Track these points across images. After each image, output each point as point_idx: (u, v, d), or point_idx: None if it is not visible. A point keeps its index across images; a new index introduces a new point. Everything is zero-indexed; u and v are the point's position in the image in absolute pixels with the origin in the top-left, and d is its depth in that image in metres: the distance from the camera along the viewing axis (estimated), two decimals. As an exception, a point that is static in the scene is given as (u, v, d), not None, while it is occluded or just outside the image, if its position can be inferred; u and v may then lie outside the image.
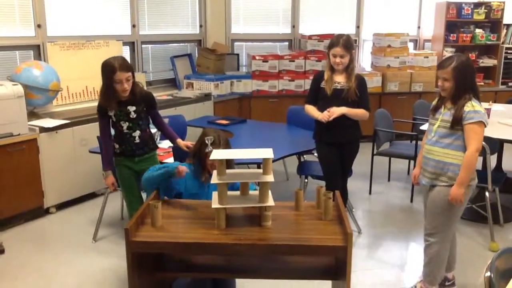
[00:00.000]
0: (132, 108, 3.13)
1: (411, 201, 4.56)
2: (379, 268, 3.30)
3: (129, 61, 3.18)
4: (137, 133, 3.19)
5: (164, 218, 2.32)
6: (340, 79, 3.48)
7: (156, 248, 2.23)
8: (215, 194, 2.31)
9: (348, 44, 3.41)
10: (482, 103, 2.79)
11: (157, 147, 3.42)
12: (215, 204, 2.23)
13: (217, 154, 2.30)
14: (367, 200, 4.65)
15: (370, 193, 4.79)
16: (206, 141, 2.64)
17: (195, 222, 2.32)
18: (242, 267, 2.49)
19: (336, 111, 3.40)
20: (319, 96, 3.54)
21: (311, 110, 3.58)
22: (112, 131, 3.25)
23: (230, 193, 2.34)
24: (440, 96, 2.85)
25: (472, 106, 2.66)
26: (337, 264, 2.45)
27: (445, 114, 2.75)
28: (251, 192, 2.39)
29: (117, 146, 3.21)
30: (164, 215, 2.33)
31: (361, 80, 3.50)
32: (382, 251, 3.62)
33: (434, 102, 2.92)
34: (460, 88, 2.69)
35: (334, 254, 2.30)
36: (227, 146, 2.74)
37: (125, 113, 3.12)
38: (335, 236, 2.14)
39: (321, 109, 3.47)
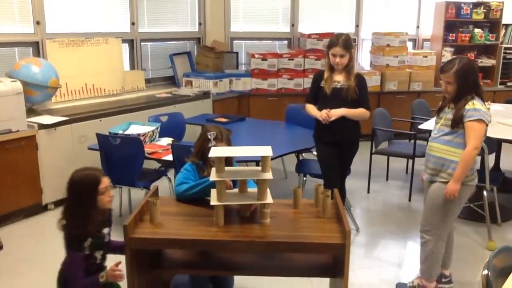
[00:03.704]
0: (106, 230, 2.37)
1: (409, 200, 4.58)
2: (377, 267, 3.31)
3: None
4: (105, 262, 2.40)
5: (163, 215, 2.33)
6: (339, 78, 3.49)
7: (155, 245, 2.24)
8: (213, 192, 2.32)
9: (347, 43, 3.41)
10: None
11: None
12: (213, 201, 2.24)
13: (216, 151, 2.30)
14: (365, 199, 4.67)
15: (368, 191, 4.80)
16: (209, 136, 2.64)
17: (193, 219, 2.33)
18: (240, 264, 2.50)
19: (335, 113, 3.41)
20: (319, 95, 3.55)
21: (311, 109, 3.59)
22: None
23: (228, 191, 2.35)
24: (444, 97, 2.88)
25: (473, 105, 2.69)
26: (335, 262, 2.46)
27: (449, 113, 2.80)
28: (249, 189, 2.39)
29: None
30: (162, 212, 2.34)
31: (360, 79, 3.51)
32: (380, 249, 3.64)
33: (440, 103, 2.93)
34: (462, 90, 2.72)
35: (332, 252, 2.32)
36: (229, 141, 2.75)
37: (101, 238, 2.34)
38: (333, 234, 2.15)
39: (321, 108, 3.48)
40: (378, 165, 5.09)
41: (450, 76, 2.72)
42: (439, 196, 2.81)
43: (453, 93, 2.75)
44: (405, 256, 3.58)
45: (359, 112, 3.48)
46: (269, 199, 2.24)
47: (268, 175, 2.23)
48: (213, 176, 2.24)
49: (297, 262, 2.50)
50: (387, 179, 5.18)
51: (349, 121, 3.47)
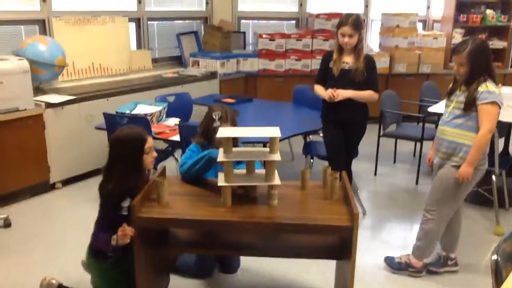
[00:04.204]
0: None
1: (417, 183, 4.55)
2: (383, 249, 3.31)
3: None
4: None
5: (170, 195, 2.33)
6: (348, 60, 3.44)
7: (162, 224, 2.24)
8: (221, 173, 2.31)
9: (357, 23, 3.35)
10: None
11: None
12: (221, 182, 2.23)
13: (224, 132, 2.29)
14: (372, 182, 4.65)
15: (375, 174, 4.78)
16: (214, 116, 2.63)
17: (201, 200, 2.33)
18: (246, 245, 2.51)
19: (341, 94, 3.37)
20: (327, 76, 3.51)
21: (319, 89, 3.55)
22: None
23: (236, 171, 2.34)
24: (455, 79, 2.83)
25: (486, 87, 2.64)
26: (342, 244, 2.46)
27: (460, 96, 2.75)
28: (257, 170, 2.38)
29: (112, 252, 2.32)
30: (170, 192, 2.34)
31: (369, 61, 3.45)
32: (386, 232, 3.63)
33: (450, 86, 2.89)
34: (475, 72, 2.67)
35: (339, 234, 2.31)
36: (234, 122, 2.74)
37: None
38: (341, 216, 2.15)
39: (328, 89, 3.44)
40: (385, 148, 5.06)
41: (463, 57, 2.67)
42: (448, 179, 2.79)
43: (465, 75, 2.70)
44: (411, 239, 3.57)
45: (366, 95, 3.44)
46: (277, 181, 2.23)
47: (276, 157, 2.22)
48: (220, 157, 2.23)
49: (304, 244, 2.50)
50: (394, 162, 5.15)
51: (357, 102, 3.43)
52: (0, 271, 3.00)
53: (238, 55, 6.19)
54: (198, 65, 6.01)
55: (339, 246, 2.48)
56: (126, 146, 2.29)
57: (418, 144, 4.85)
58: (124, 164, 2.27)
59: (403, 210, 4.01)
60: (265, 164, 2.28)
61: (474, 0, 6.61)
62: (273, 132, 2.24)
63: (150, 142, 2.35)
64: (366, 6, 6.97)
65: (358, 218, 2.03)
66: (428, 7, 7.23)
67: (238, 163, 2.55)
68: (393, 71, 6.46)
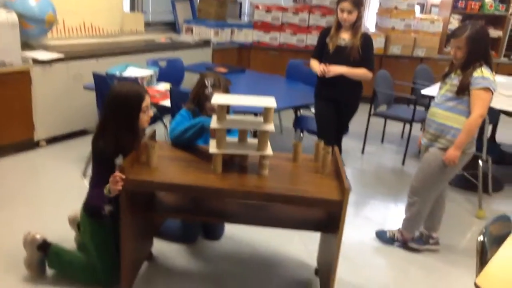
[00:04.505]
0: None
1: (403, 164, 4.59)
2: (366, 226, 3.35)
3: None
4: None
5: (160, 159, 2.30)
6: (345, 36, 3.40)
7: (152, 187, 2.22)
8: (212, 140, 2.28)
9: (357, 0, 3.30)
10: None
11: None
12: (212, 149, 2.20)
13: (219, 98, 2.24)
14: (359, 159, 4.67)
15: (362, 152, 4.80)
16: (206, 83, 2.59)
17: (191, 165, 2.30)
18: (231, 213, 2.51)
19: (333, 70, 3.34)
20: (323, 52, 3.47)
21: (314, 64, 3.52)
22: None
23: (228, 139, 2.31)
24: (452, 63, 2.81)
25: (481, 72, 2.63)
26: (328, 218, 2.47)
27: (454, 79, 2.74)
28: (249, 140, 2.36)
29: (107, 206, 2.31)
30: (159, 156, 2.31)
31: (366, 39, 3.42)
32: (370, 209, 3.67)
33: (446, 68, 2.87)
34: (472, 57, 2.66)
35: (329, 208, 2.31)
36: (227, 90, 2.70)
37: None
38: (331, 190, 2.14)
39: (321, 64, 3.41)
40: (375, 127, 5.07)
41: (461, 41, 2.65)
42: (435, 161, 2.80)
43: (462, 59, 2.69)
44: (394, 218, 3.62)
45: (360, 73, 3.41)
46: (269, 151, 2.21)
47: (270, 127, 2.19)
48: (213, 124, 2.19)
49: (289, 215, 2.51)
50: (382, 141, 5.18)
51: (350, 80, 3.41)
52: (-18, 226, 2.96)
53: (232, 24, 6.09)
54: (192, 32, 5.90)
55: (325, 220, 2.49)
56: (124, 101, 2.26)
57: (407, 127, 4.88)
58: (120, 120, 2.25)
59: (388, 189, 4.04)
60: (258, 134, 2.25)
61: (473, -14, 6.57)
62: (269, 102, 2.21)
63: (147, 100, 2.33)
64: (365, -16, 6.88)
65: (349, 193, 2.02)
66: (427, -10, 7.17)
67: (229, 131, 2.52)
68: (387, 52, 6.44)
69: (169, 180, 2.12)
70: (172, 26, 6.03)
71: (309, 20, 6.20)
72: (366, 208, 3.69)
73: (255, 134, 3.43)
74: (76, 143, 4.43)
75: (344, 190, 2.02)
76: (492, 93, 2.67)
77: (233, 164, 2.33)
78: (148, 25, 5.77)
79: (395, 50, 6.45)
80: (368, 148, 4.86)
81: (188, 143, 2.51)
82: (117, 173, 2.09)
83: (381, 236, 3.16)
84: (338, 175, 2.25)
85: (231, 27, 6.04)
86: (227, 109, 2.55)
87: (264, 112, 2.21)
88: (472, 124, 2.66)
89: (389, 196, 3.91)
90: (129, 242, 2.26)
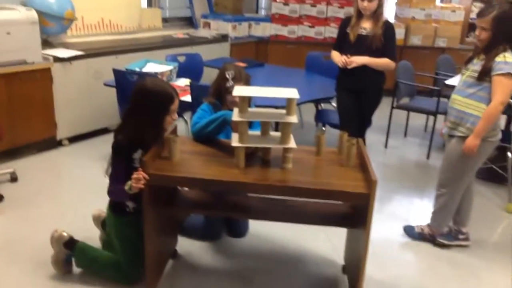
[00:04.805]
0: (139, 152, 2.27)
1: (428, 157, 4.48)
2: (392, 221, 3.27)
3: None
4: None
5: (181, 153, 2.27)
6: (366, 25, 3.33)
7: (173, 182, 2.19)
8: (235, 134, 2.24)
9: (378, -13, 3.22)
10: None
11: None
12: (235, 142, 2.16)
13: (240, 90, 2.20)
14: (382, 153, 4.58)
15: (386, 146, 4.71)
16: (227, 76, 2.55)
17: (213, 160, 2.26)
18: (254, 208, 2.46)
19: (356, 60, 3.28)
20: (344, 42, 3.40)
21: (334, 55, 3.46)
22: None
23: (250, 132, 2.26)
24: (475, 48, 2.71)
25: (504, 57, 2.51)
26: (354, 213, 2.41)
27: (476, 64, 2.64)
28: (272, 133, 2.31)
29: (130, 203, 2.33)
30: (181, 151, 2.28)
31: (388, 27, 3.34)
32: (395, 204, 3.59)
33: (469, 55, 2.77)
34: (496, 38, 2.54)
35: (355, 201, 2.25)
36: (248, 82, 2.66)
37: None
38: (357, 183, 2.08)
39: (342, 55, 3.35)
40: (397, 121, 4.97)
41: (487, 22, 2.54)
42: (456, 151, 2.72)
43: (485, 41, 2.58)
44: (421, 212, 3.54)
45: (382, 62, 3.33)
46: (292, 144, 2.16)
47: (293, 119, 2.14)
48: (235, 116, 2.15)
49: (314, 211, 2.46)
50: (405, 135, 5.07)
51: (372, 70, 3.33)
52: (9, 224, 2.98)
53: (250, 18, 6.04)
54: (209, 27, 5.86)
55: (351, 214, 2.43)
56: (154, 100, 2.20)
57: (430, 119, 4.76)
58: (145, 117, 2.20)
59: (413, 183, 3.95)
60: (280, 127, 2.20)
61: (496, -27, 6.38)
62: (291, 93, 2.16)
63: (176, 103, 2.27)
64: (385, -26, 6.74)
65: (376, 186, 1.96)
66: (448, -22, 6.99)
67: (250, 126, 2.48)
68: (408, 43, 6.31)
69: (192, 175, 2.09)
70: (190, 21, 6.01)
71: (327, 12, 6.11)
72: (391, 203, 3.61)
73: (277, 129, 3.39)
74: (98, 141, 4.44)
75: (371, 182, 1.96)
76: None
77: (256, 158, 2.29)
78: (165, 20, 5.76)
79: (415, 40, 6.32)
80: (391, 142, 4.76)
81: (210, 137, 2.47)
82: (141, 172, 2.06)
83: (409, 231, 3.08)
84: (363, 167, 2.19)
85: (248, 21, 5.99)
86: (248, 102, 2.51)
87: (286, 104, 2.16)
88: (492, 111, 2.55)
89: (415, 191, 3.82)
90: (152, 237, 2.24)
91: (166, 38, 5.31)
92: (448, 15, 6.37)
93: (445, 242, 2.97)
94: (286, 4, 6.05)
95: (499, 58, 2.52)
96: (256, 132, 2.31)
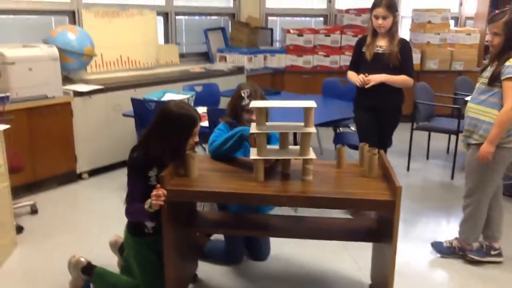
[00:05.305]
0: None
1: (452, 178, 4.36)
2: (419, 241, 3.15)
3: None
4: None
5: (200, 171, 2.25)
6: (382, 43, 3.32)
7: (193, 197, 2.16)
8: (253, 148, 2.21)
9: (391, 4, 3.24)
10: None
11: None
12: (253, 155, 2.13)
13: (258, 103, 2.19)
14: (405, 176, 4.48)
15: (408, 169, 4.60)
16: (243, 94, 2.55)
17: (232, 175, 2.23)
18: (279, 227, 2.40)
19: (373, 79, 3.25)
20: (360, 61, 3.39)
21: (351, 75, 3.44)
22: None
23: (269, 147, 2.24)
24: (491, 55, 2.69)
25: None
26: (379, 227, 2.33)
27: (489, 71, 2.63)
28: (290, 147, 2.27)
29: (149, 223, 2.28)
30: (199, 169, 2.25)
31: (405, 44, 3.33)
32: (421, 225, 3.46)
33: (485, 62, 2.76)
34: (509, 44, 2.55)
35: (380, 209, 2.18)
36: (263, 99, 2.65)
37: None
38: (381, 191, 2.02)
39: (360, 74, 3.33)
40: (418, 144, 4.89)
41: (499, 27, 2.55)
42: (474, 159, 2.68)
43: (498, 47, 2.58)
44: (448, 230, 3.40)
45: (401, 79, 3.30)
46: (311, 155, 2.12)
47: (312, 129, 2.11)
48: (253, 129, 2.13)
49: (337, 226, 2.38)
50: (427, 158, 4.97)
51: (391, 87, 3.30)
52: (28, 254, 2.97)
53: (265, 50, 6.12)
54: (225, 60, 5.95)
55: (376, 229, 2.35)
56: (178, 123, 2.19)
57: (452, 141, 4.66)
58: (167, 139, 2.18)
59: (439, 203, 3.83)
60: (298, 139, 2.17)
61: (509, -5, 6.39)
62: (309, 103, 2.14)
63: (198, 127, 2.26)
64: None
65: (401, 192, 1.89)
66: (461, 4, 7.04)
67: (268, 141, 2.45)
68: (424, 68, 6.29)
69: (211, 189, 2.05)
70: (206, 56, 6.11)
71: (341, 41, 6.17)
72: (417, 224, 3.49)
73: (295, 143, 3.36)
74: (117, 174, 4.44)
75: (396, 189, 1.90)
76: None
77: (275, 172, 2.25)
78: (182, 56, 5.87)
79: (431, 65, 6.30)
80: (413, 165, 4.66)
81: (228, 155, 2.45)
82: (161, 188, 2.04)
83: (437, 247, 2.96)
84: (387, 177, 2.12)
85: (263, 53, 6.07)
86: (266, 117, 2.49)
87: (304, 114, 2.13)
88: (503, 116, 2.51)
89: (441, 211, 3.70)
90: (172, 258, 2.18)
91: (183, 73, 5.40)
92: (463, 39, 6.36)
93: (476, 258, 2.84)
94: (300, 35, 6.13)
95: (508, 63, 2.52)
96: (275, 146, 2.28)
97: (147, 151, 2.18)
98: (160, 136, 2.19)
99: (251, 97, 2.57)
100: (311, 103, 2.12)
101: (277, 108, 4.15)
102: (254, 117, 2.32)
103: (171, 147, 2.20)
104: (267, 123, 2.22)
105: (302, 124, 2.16)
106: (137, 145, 2.25)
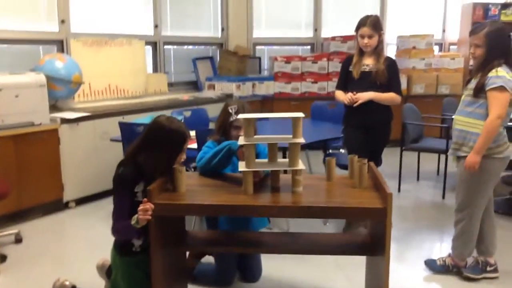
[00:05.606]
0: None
1: (443, 197, 4.34)
2: (412, 261, 3.09)
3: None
4: None
5: (188, 186, 2.20)
6: (368, 62, 3.36)
7: (181, 210, 2.11)
8: (242, 162, 2.18)
9: (376, 24, 3.29)
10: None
11: None
12: (242, 167, 2.10)
13: (245, 114, 2.18)
14: (396, 198, 4.44)
15: (399, 191, 4.58)
16: (230, 110, 2.54)
17: (220, 189, 2.20)
18: (270, 243, 2.35)
19: (361, 97, 3.27)
20: (348, 80, 3.42)
21: (339, 94, 3.46)
22: None
23: (258, 160, 2.21)
24: (473, 67, 2.73)
25: (496, 72, 2.53)
26: (371, 241, 2.28)
27: (473, 83, 2.65)
28: (279, 159, 2.25)
29: (136, 241, 2.22)
30: (187, 184, 2.21)
31: (391, 62, 3.37)
32: (414, 244, 3.41)
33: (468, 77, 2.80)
34: (490, 55, 2.58)
35: (371, 217, 2.14)
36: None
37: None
38: (372, 200, 1.99)
39: (348, 93, 3.35)
40: (408, 166, 4.88)
41: (480, 38, 2.58)
42: (464, 171, 2.66)
43: (481, 58, 2.61)
44: (441, 250, 3.36)
45: (389, 97, 3.33)
46: (301, 165, 2.09)
47: (300, 140, 2.09)
48: (241, 141, 2.11)
49: (328, 241, 2.33)
50: (418, 179, 4.96)
51: (379, 105, 3.32)
52: (11, 283, 2.86)
53: (253, 78, 6.17)
54: (214, 88, 5.99)
55: (369, 243, 2.30)
56: (169, 138, 2.16)
57: (442, 161, 4.67)
58: (157, 153, 2.14)
59: (431, 223, 3.79)
60: (287, 151, 2.15)
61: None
62: (296, 114, 2.13)
63: (188, 143, 2.24)
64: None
65: (392, 199, 1.87)
66: (444, 31, 7.21)
67: (257, 156, 2.42)
68: (411, 92, 6.37)
69: (200, 202, 2.01)
70: (194, 85, 6.15)
71: (328, 67, 6.24)
72: (410, 243, 3.44)
73: (284, 156, 3.34)
74: (105, 202, 4.35)
75: (386, 196, 1.87)
76: (510, 93, 2.52)
77: (265, 185, 2.22)
78: (171, 85, 5.89)
79: (418, 89, 6.38)
80: (404, 186, 4.64)
81: (216, 170, 2.41)
82: (148, 202, 1.99)
83: (431, 264, 2.91)
84: (377, 186, 2.10)
85: (252, 80, 6.12)
86: (254, 129, 2.48)
87: (292, 126, 2.12)
88: (489, 126, 2.53)
89: (433, 230, 3.66)
90: (160, 278, 2.11)
91: (171, 101, 5.41)
92: (448, 63, 6.48)
93: (472, 276, 2.79)
94: (288, 62, 6.20)
95: (491, 73, 2.55)
96: (263, 160, 2.25)
97: (135, 166, 2.14)
98: (150, 150, 2.16)
99: (239, 113, 2.56)
100: (299, 114, 2.11)
101: (265, 124, 4.17)
102: (242, 133, 2.30)
103: (162, 163, 2.16)
104: (255, 136, 2.20)
105: (291, 136, 2.14)
106: (124, 160, 2.21)
